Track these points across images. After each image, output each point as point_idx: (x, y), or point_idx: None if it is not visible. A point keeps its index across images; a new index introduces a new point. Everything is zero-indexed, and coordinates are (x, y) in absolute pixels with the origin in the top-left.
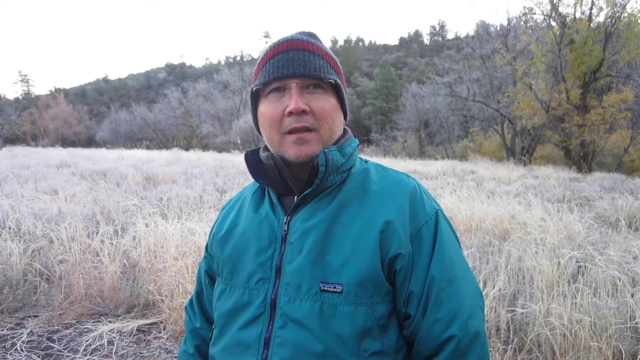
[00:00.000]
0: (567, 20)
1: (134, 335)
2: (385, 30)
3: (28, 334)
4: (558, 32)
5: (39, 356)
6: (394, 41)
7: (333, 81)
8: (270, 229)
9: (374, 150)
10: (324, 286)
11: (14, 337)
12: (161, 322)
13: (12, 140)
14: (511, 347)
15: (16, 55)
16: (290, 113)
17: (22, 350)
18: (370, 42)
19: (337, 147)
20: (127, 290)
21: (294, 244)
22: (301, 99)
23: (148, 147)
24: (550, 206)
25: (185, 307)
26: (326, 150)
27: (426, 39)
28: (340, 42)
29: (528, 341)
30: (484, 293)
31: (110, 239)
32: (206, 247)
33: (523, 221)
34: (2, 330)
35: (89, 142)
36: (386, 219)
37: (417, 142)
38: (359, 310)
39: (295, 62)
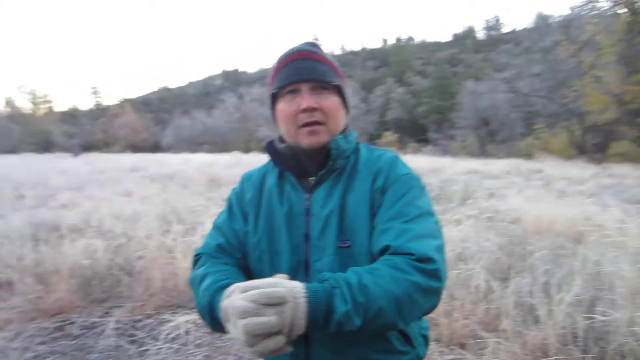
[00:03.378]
0: (636, 7)
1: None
2: (436, 28)
3: (115, 322)
4: (628, 20)
5: (125, 342)
6: (445, 38)
7: (336, 84)
8: (295, 205)
9: (432, 150)
10: (340, 244)
11: (103, 324)
12: None
13: (88, 147)
14: (592, 357)
15: (88, 70)
16: (304, 110)
17: (110, 336)
18: (422, 40)
19: (343, 136)
20: None
21: (316, 215)
22: (311, 99)
23: (209, 151)
24: (630, 207)
25: (199, 254)
26: (335, 138)
27: (480, 34)
28: (391, 42)
29: (610, 351)
30: (557, 297)
31: (182, 237)
32: (231, 203)
33: (599, 223)
34: (93, 317)
35: (155, 147)
36: (374, 185)
37: (477, 140)
38: (364, 256)
39: (305, 69)
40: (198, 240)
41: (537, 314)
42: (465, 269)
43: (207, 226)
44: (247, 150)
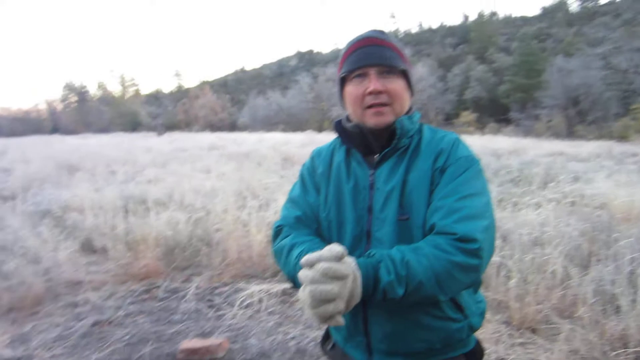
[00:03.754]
0: None
1: (279, 297)
2: (522, 2)
3: (195, 288)
4: None
5: (204, 306)
6: (533, 12)
7: (402, 68)
8: (360, 180)
9: (513, 131)
10: (400, 217)
11: (184, 290)
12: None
13: (170, 127)
14: None
15: (171, 54)
16: (370, 93)
17: (191, 300)
18: (506, 15)
19: (408, 117)
20: (272, 257)
21: (379, 190)
22: (378, 82)
23: (284, 130)
24: None
25: (280, 226)
26: (400, 119)
27: (574, 7)
28: (472, 18)
29: None
30: None
31: (256, 212)
32: (303, 178)
33: None
34: (176, 283)
35: (232, 126)
36: (435, 165)
37: (564, 121)
38: (420, 229)
39: (373, 54)
40: (271, 215)
41: (619, 304)
42: (541, 253)
43: (280, 202)
44: (320, 129)
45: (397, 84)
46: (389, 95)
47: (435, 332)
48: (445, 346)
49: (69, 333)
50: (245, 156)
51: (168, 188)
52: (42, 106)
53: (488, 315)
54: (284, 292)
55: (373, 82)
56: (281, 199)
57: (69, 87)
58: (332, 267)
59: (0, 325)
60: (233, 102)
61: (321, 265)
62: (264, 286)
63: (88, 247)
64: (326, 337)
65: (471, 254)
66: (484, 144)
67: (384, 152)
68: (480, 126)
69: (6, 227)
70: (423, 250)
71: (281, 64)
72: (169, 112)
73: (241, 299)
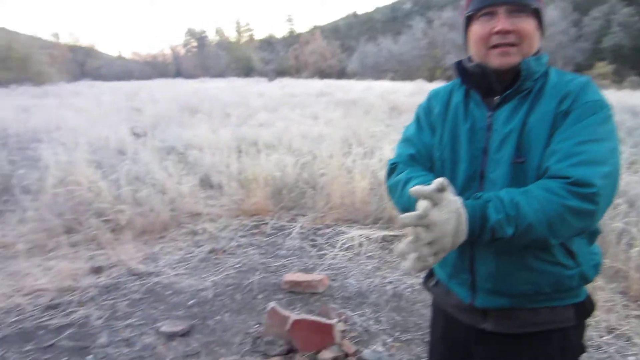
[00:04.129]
0: None
1: (379, 243)
2: None
3: (299, 227)
4: None
5: (307, 244)
6: None
7: (534, 7)
8: (478, 121)
9: None
10: (515, 159)
11: (290, 228)
12: (402, 236)
13: (281, 72)
14: None
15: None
16: (497, 32)
17: (295, 238)
18: None
19: (535, 58)
20: (374, 204)
21: (497, 131)
22: (507, 21)
23: (392, 79)
24: None
25: (395, 163)
26: (527, 60)
27: None
28: None
29: None
30: None
31: (361, 159)
32: (419, 118)
33: None
34: (282, 221)
35: (341, 73)
36: (558, 108)
37: None
38: (535, 172)
39: None
40: (376, 163)
41: None
42: None
43: (386, 151)
44: (431, 78)
45: (527, 24)
46: (517, 35)
47: (545, 276)
48: (555, 292)
49: (190, 257)
50: (352, 104)
51: (277, 132)
52: (167, 51)
53: (602, 283)
54: (384, 239)
55: (501, 22)
56: (387, 148)
57: (190, 33)
58: (441, 200)
59: (135, 245)
60: (343, 48)
61: (425, 203)
62: (365, 231)
63: (206, 183)
64: (430, 274)
65: (586, 198)
66: (620, 99)
67: (505, 94)
68: (617, 79)
69: (139, 160)
70: (533, 193)
71: (394, 7)
72: (280, 58)
73: (342, 242)
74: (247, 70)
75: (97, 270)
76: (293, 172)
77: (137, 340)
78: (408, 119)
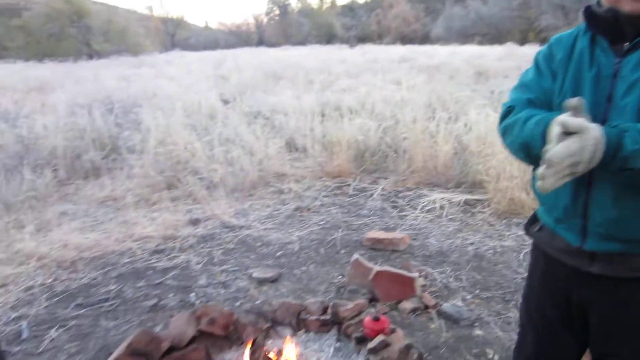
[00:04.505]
0: None
1: (460, 206)
2: None
3: (381, 189)
4: None
5: (389, 206)
6: None
7: None
8: (603, 68)
9: None
10: None
11: (371, 190)
12: (486, 200)
13: (363, 39)
14: None
15: None
16: None
17: (377, 199)
18: None
19: None
20: (457, 169)
21: (624, 78)
22: None
23: (480, 43)
24: None
25: (511, 106)
26: None
27: None
28: None
29: None
30: None
31: (445, 124)
32: (538, 63)
33: None
34: (364, 184)
35: (424, 39)
36: None
37: None
38: None
39: None
40: (460, 128)
41: None
42: None
43: (472, 115)
44: (523, 41)
45: None
46: None
47: None
48: None
49: (277, 213)
50: (436, 69)
51: (360, 97)
52: (251, 20)
53: None
54: (466, 202)
55: None
56: (472, 113)
57: (273, 1)
58: (582, 125)
59: (227, 201)
60: (427, 11)
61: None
62: (447, 195)
63: (291, 145)
64: (533, 220)
65: None
66: None
67: (636, 41)
68: None
69: (229, 124)
70: None
71: None
72: (363, 24)
73: (423, 204)
74: (328, 37)
75: (194, 222)
76: (375, 136)
77: (232, 284)
78: (496, 84)
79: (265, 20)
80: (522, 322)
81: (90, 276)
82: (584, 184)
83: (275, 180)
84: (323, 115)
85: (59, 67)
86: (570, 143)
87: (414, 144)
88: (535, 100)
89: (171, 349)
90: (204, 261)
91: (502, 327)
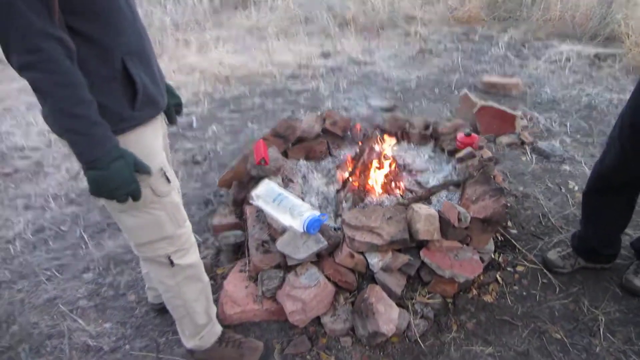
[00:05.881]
0: None
1: (589, 59)
2: None
3: (508, 38)
4: None
5: (512, 54)
6: None
7: None
8: None
9: None
10: None
11: (497, 37)
12: (619, 55)
13: None
14: None
15: None
16: None
17: (501, 47)
18: None
19: None
20: (597, 20)
21: None
22: None
23: None
24: None
25: None
26: None
27: None
28: None
29: None
30: None
31: None
32: None
33: None
34: (492, 31)
35: None
36: None
37: None
38: None
39: None
40: None
41: None
42: None
43: None
44: None
45: None
46: None
47: None
48: None
49: (400, 53)
50: None
51: None
52: None
53: None
54: (596, 56)
55: None
56: None
57: None
58: None
59: (356, 39)
60: None
61: None
62: (577, 47)
63: None
64: None
65: None
66: None
67: None
68: None
69: None
70: None
71: None
72: None
73: (548, 54)
74: None
75: (325, 55)
76: None
77: (352, 109)
78: None
79: None
80: (611, 134)
81: (240, 90)
82: None
83: (404, 22)
84: None
85: None
86: None
87: None
88: None
89: (302, 139)
90: (331, 88)
91: (592, 166)
